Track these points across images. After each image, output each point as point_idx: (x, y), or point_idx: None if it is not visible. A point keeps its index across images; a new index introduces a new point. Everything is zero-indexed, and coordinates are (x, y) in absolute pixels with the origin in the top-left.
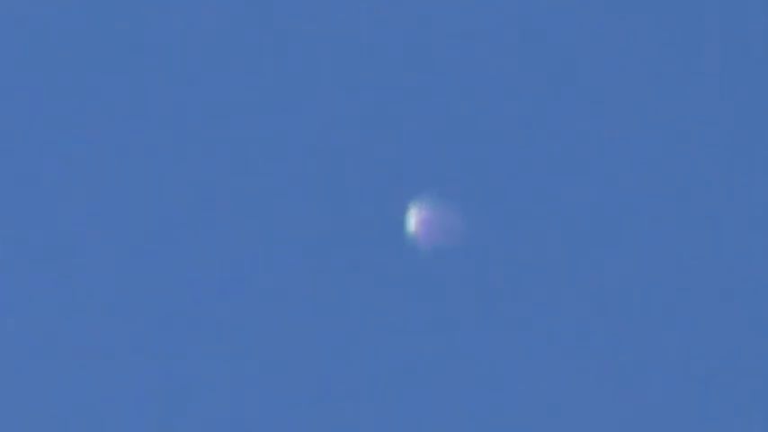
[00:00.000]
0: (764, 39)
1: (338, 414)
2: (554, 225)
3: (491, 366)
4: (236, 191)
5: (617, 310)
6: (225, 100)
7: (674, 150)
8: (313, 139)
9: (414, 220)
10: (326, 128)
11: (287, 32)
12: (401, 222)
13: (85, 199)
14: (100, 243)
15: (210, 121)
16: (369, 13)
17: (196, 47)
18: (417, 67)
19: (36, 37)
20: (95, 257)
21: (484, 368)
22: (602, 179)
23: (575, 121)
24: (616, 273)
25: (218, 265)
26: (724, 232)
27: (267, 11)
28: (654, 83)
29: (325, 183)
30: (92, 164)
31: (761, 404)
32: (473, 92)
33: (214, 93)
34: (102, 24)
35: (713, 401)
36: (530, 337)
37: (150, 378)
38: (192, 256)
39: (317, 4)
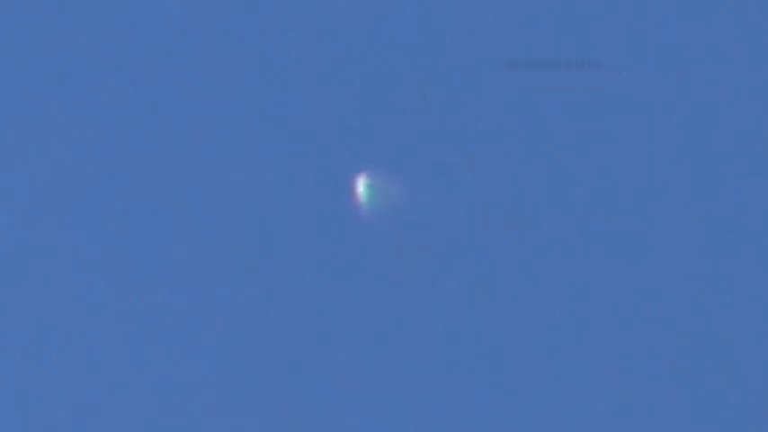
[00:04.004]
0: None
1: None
2: (493, 195)
3: (427, 331)
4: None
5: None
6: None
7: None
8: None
9: (360, 189)
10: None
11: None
12: (348, 192)
13: (76, 198)
14: (89, 243)
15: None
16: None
17: (179, 40)
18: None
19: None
20: (88, 257)
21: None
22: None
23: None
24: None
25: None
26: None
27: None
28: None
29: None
30: (82, 162)
31: (761, 404)
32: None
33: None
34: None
35: (713, 401)
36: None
37: (135, 381)
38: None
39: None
